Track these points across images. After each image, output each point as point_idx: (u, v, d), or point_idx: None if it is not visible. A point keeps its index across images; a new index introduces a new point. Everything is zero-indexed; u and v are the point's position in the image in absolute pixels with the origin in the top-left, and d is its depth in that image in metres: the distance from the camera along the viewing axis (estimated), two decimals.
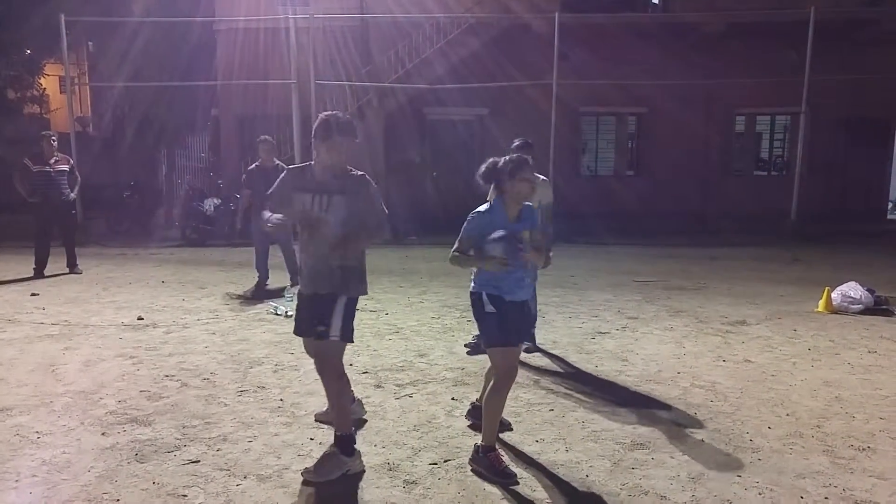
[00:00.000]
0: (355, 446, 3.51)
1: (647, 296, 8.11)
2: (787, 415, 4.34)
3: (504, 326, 3.53)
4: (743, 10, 14.56)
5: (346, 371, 4.92)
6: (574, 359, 5.59)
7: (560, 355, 5.69)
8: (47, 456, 3.66)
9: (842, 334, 6.40)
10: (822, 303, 7.46)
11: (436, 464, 3.60)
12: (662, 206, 15.47)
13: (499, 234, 3.41)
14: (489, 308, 3.54)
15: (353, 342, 3.63)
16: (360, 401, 4.24)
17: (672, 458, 3.69)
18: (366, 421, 4.18)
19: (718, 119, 16.28)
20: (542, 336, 6.12)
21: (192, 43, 15.74)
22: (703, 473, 3.50)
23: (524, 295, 3.66)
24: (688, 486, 3.36)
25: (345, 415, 3.55)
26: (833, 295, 7.44)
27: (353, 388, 4.10)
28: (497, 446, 3.59)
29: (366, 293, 3.67)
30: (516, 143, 5.59)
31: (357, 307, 3.67)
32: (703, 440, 3.93)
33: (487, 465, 3.45)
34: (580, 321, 6.88)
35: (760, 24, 14.65)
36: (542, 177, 5.62)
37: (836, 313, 7.24)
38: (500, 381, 3.55)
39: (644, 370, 5.27)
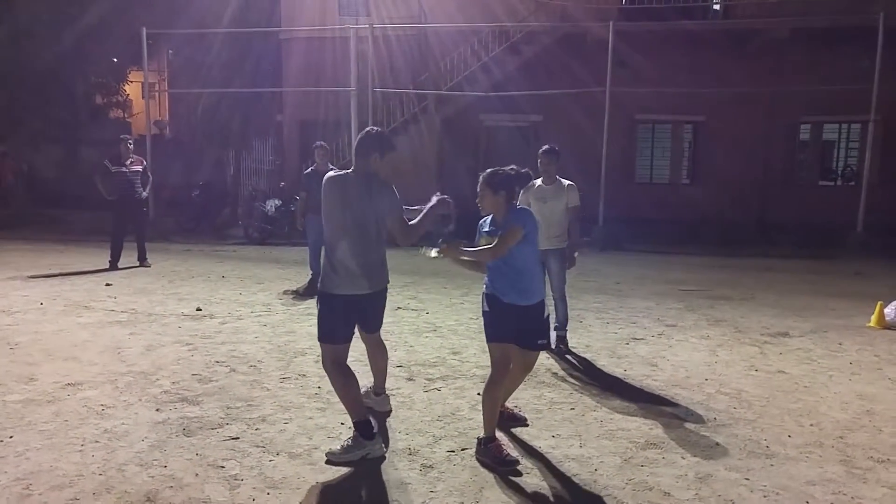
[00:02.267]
0: (375, 432, 3.79)
1: (689, 304, 8.13)
2: (811, 425, 4.38)
3: (499, 324, 3.77)
4: (808, 15, 14.24)
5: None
6: (604, 362, 5.73)
7: (590, 359, 5.83)
8: (109, 426, 4.10)
9: (889, 350, 6.28)
10: (874, 317, 7.25)
11: (453, 451, 3.85)
12: (719, 215, 15.25)
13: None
14: (484, 307, 3.84)
15: (325, 342, 3.83)
16: (386, 395, 4.50)
17: (683, 458, 3.83)
18: (390, 412, 4.44)
19: (781, 127, 15.90)
20: (576, 340, 6.28)
21: (260, 51, 16.43)
22: (710, 474, 3.62)
23: (522, 300, 3.80)
24: (693, 485, 3.50)
25: (350, 405, 3.81)
26: (886, 310, 7.19)
27: (371, 382, 4.42)
28: (506, 440, 3.80)
29: (324, 290, 3.82)
30: (543, 148, 5.78)
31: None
32: (717, 444, 4.04)
33: (490, 454, 3.65)
34: (617, 327, 6.99)
35: (826, 30, 14.30)
36: (567, 181, 5.80)
37: (889, 329, 7.05)
38: (493, 375, 3.78)
39: (672, 375, 5.38)
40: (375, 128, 4.09)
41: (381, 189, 3.80)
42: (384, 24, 15.07)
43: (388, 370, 5.19)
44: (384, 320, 6.69)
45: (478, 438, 3.78)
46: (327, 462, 3.66)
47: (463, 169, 15.67)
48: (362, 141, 3.84)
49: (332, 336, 3.80)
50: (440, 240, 3.62)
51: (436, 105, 15.32)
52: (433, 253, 3.66)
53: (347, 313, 3.83)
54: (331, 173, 3.88)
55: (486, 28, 15.04)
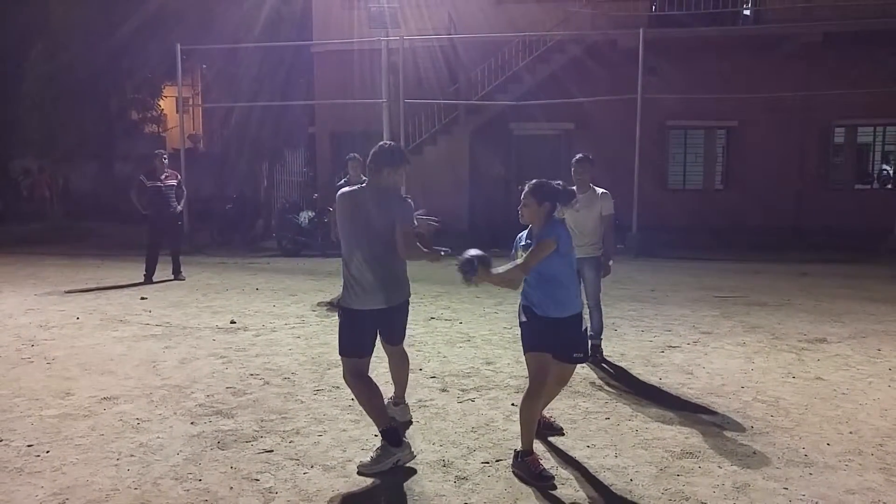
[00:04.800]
0: (402, 438, 3.81)
1: (725, 311, 8.00)
2: (850, 433, 4.29)
3: (535, 334, 3.74)
4: (839, 19, 14.02)
5: (415, 375, 5.26)
6: (639, 371, 5.67)
7: (626, 367, 5.77)
8: (144, 439, 4.16)
9: None
10: None
11: (487, 463, 3.83)
12: (753, 220, 15.01)
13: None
14: (521, 318, 3.83)
15: (346, 356, 3.86)
16: (406, 405, 4.49)
17: (720, 467, 3.76)
18: (411, 421, 4.43)
19: (815, 131, 15.63)
20: (610, 348, 6.23)
21: (292, 64, 16.67)
22: (748, 484, 3.56)
23: (557, 312, 3.77)
24: (730, 495, 3.44)
25: (374, 414, 3.83)
26: None
27: (415, 394, 4.43)
28: (543, 449, 3.77)
29: (344, 304, 3.86)
30: (577, 157, 5.76)
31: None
32: (755, 452, 3.97)
33: (525, 468, 3.62)
34: (652, 335, 6.91)
35: (858, 33, 14.06)
36: (600, 189, 5.77)
37: None
38: (531, 387, 3.73)
39: (708, 383, 5.30)
40: (388, 142, 4.13)
41: (391, 202, 3.81)
42: (414, 36, 15.14)
43: (423, 381, 5.28)
44: (417, 330, 6.77)
45: (515, 451, 3.74)
46: (359, 474, 3.67)
47: (493, 178, 15.74)
48: (374, 156, 3.85)
49: (353, 350, 3.83)
50: (471, 265, 3.56)
51: (466, 115, 15.35)
52: (465, 280, 3.62)
53: (367, 327, 3.85)
54: (344, 189, 3.96)
55: (516, 38, 15.05)
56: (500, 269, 3.67)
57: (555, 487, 3.54)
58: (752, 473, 3.69)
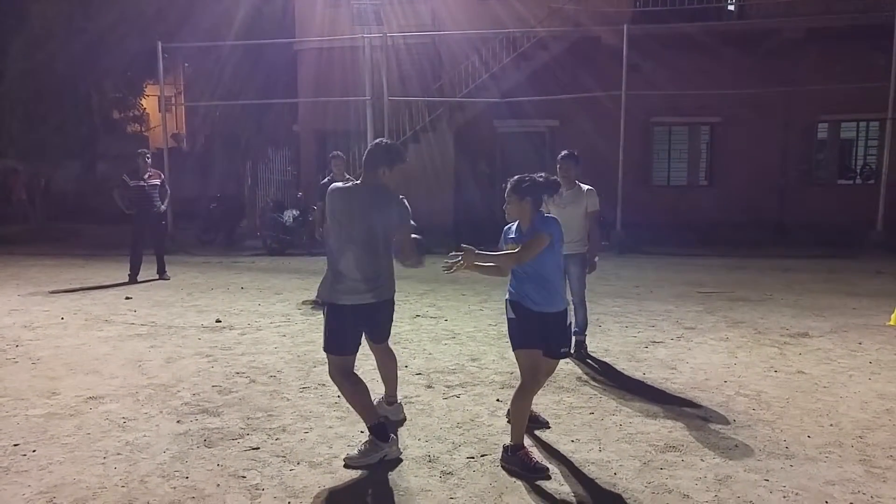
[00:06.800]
0: (391, 434, 3.83)
1: (708, 307, 8.08)
2: (831, 425, 4.35)
3: (525, 331, 3.75)
4: (823, 14, 14.17)
5: (401, 372, 5.27)
6: (623, 366, 5.71)
7: (610, 363, 5.82)
8: (130, 438, 4.15)
9: None
10: (894, 316, 7.21)
11: (472, 458, 3.86)
12: (737, 216, 15.13)
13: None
14: (510, 314, 3.83)
15: (331, 353, 3.87)
16: (399, 403, 4.50)
17: (702, 460, 3.81)
18: (404, 419, 4.45)
19: (798, 127, 15.77)
20: (595, 344, 6.28)
21: (275, 62, 16.61)
22: (730, 476, 3.61)
23: (549, 307, 3.81)
24: (712, 487, 3.49)
25: (361, 411, 3.87)
26: None
27: (401, 391, 4.45)
28: (529, 443, 3.81)
29: (330, 300, 3.88)
30: (563, 154, 5.78)
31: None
32: (737, 445, 4.02)
33: (519, 462, 3.66)
34: (636, 330, 6.97)
35: (842, 29, 14.21)
36: (586, 186, 5.80)
37: None
38: (525, 383, 3.75)
39: (691, 378, 5.36)
40: (385, 140, 4.11)
41: (389, 201, 3.83)
42: (398, 33, 15.13)
43: (408, 378, 5.28)
44: (403, 327, 6.79)
45: (504, 446, 3.77)
46: (345, 467, 3.70)
47: (477, 176, 15.77)
48: (370, 154, 3.84)
49: (339, 347, 3.83)
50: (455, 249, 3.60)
51: (450, 113, 15.36)
52: (449, 262, 3.66)
53: (354, 323, 3.84)
54: (337, 184, 3.92)
55: (499, 35, 15.08)
56: (490, 255, 3.75)
57: (549, 478, 3.59)
58: (734, 466, 3.74)
